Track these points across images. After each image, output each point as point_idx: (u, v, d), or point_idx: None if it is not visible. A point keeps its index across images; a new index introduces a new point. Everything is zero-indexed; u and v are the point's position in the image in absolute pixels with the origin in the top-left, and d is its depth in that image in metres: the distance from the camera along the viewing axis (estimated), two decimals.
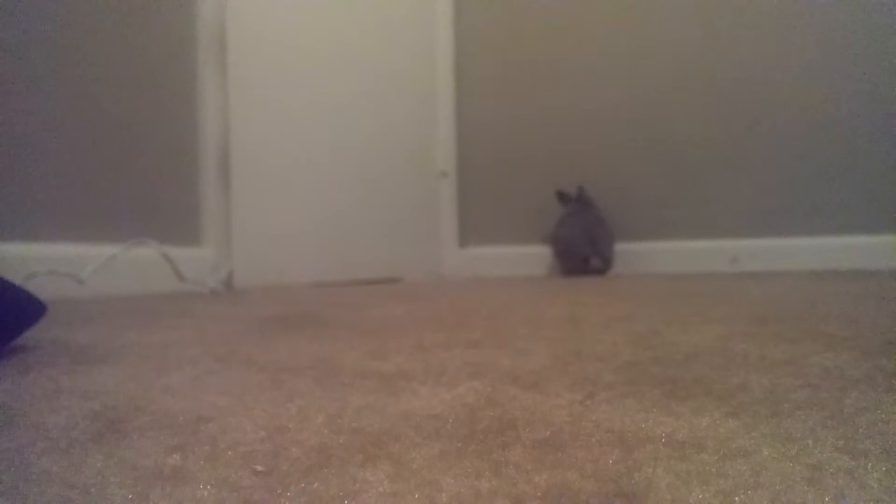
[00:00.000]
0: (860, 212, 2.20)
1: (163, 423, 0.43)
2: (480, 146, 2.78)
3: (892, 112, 2.16)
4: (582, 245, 2.38)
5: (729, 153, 2.38)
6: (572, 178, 2.60)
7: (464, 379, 0.55)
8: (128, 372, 0.60)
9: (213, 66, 1.82)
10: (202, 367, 0.61)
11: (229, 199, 1.86)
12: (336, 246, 2.25)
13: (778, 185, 2.31)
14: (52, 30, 1.46)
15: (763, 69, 2.33)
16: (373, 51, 2.41)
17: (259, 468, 0.34)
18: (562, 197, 2.52)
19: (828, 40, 2.25)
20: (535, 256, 2.64)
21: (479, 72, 2.78)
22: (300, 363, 0.63)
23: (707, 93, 2.41)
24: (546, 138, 2.66)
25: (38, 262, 1.36)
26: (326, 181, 2.22)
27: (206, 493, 0.31)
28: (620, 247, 2.49)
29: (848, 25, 2.22)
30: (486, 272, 2.70)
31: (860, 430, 0.38)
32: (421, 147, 2.69)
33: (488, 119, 2.77)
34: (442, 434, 0.39)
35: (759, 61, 2.33)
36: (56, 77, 1.47)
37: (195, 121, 1.80)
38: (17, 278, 1.18)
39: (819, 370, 0.55)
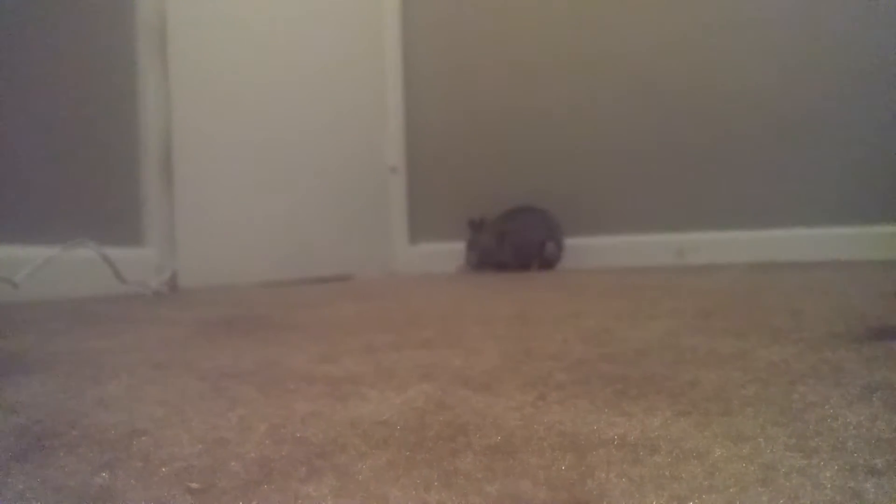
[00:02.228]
0: (801, 206, 2.25)
1: (93, 438, 0.40)
2: (430, 142, 2.76)
3: (834, 108, 2.22)
4: (538, 230, 2.40)
5: (673, 149, 2.41)
6: (521, 173, 2.60)
7: (414, 381, 0.54)
8: (59, 382, 0.57)
9: (154, 59, 1.77)
10: (139, 376, 0.58)
11: (173, 197, 1.81)
12: (285, 244, 2.21)
13: (721, 180, 2.35)
14: None
15: (706, 66, 2.36)
16: (320, 44, 2.37)
17: (194, 485, 0.32)
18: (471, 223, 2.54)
19: (775, 34, 2.29)
20: None
21: (428, 67, 2.76)
22: (244, 369, 0.61)
23: (652, 90, 2.44)
24: (495, 134, 2.66)
25: None
26: (274, 177, 2.18)
27: None
28: (568, 242, 2.50)
29: (795, 19, 2.27)
30: (438, 268, 2.69)
31: (810, 427, 0.37)
32: (370, 142, 2.66)
33: (438, 114, 2.75)
34: (390, 442, 0.38)
35: (702, 58, 2.37)
36: None
37: (135, 115, 1.74)
38: None
39: (766, 364, 0.55)
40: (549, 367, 0.58)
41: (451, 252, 2.68)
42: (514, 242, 2.42)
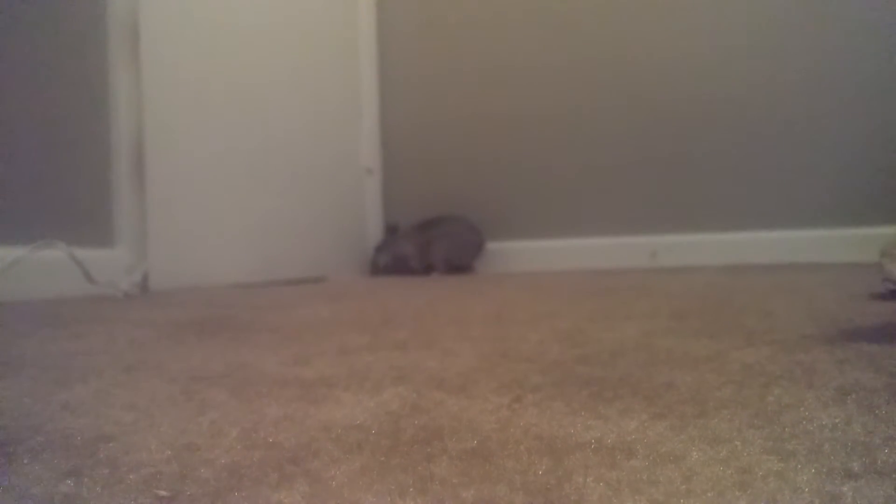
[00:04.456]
0: (772, 209, 2.28)
1: (58, 443, 0.39)
2: (405, 143, 2.76)
3: (804, 112, 2.25)
4: (473, 233, 2.52)
5: (646, 152, 2.43)
6: (495, 175, 2.61)
7: (388, 384, 0.53)
8: (24, 386, 0.55)
9: (126, 58, 1.74)
10: (107, 379, 0.57)
11: (144, 197, 1.78)
12: (258, 245, 2.19)
13: (694, 183, 2.37)
14: None
15: (679, 71, 2.38)
16: (295, 46, 2.35)
17: (163, 493, 0.31)
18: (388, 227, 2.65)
19: (747, 39, 2.32)
20: None
21: (403, 69, 2.76)
22: (215, 371, 0.60)
23: (623, 91, 2.45)
24: (470, 136, 2.66)
25: None
26: (247, 178, 2.15)
27: None
28: (542, 244, 2.51)
29: (767, 24, 2.30)
30: None
31: (786, 430, 0.37)
32: (345, 144, 2.65)
33: (413, 116, 2.75)
34: (364, 447, 0.37)
35: (674, 63, 2.39)
36: None
37: (107, 114, 1.71)
38: None
39: (740, 366, 0.56)
40: (524, 368, 0.57)
41: None
42: (452, 245, 2.48)
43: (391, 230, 2.60)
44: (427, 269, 2.50)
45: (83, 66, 1.66)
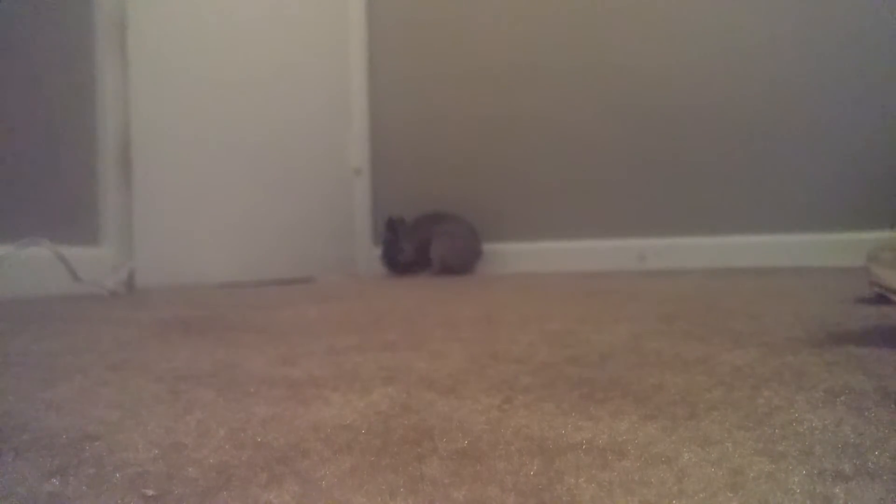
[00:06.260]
0: (760, 213, 2.29)
1: (43, 442, 0.39)
2: (395, 144, 2.75)
3: (792, 117, 2.26)
4: (473, 235, 2.52)
5: (635, 156, 2.43)
6: (484, 176, 2.61)
7: (378, 384, 0.53)
8: (9, 384, 0.55)
9: (113, 54, 1.73)
10: (93, 378, 0.56)
11: (130, 195, 1.77)
12: (246, 244, 2.18)
13: (682, 187, 2.38)
14: None
15: (667, 76, 2.39)
16: (284, 44, 2.35)
17: (149, 492, 0.31)
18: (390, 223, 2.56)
19: (735, 44, 2.33)
20: None
21: (393, 69, 2.75)
22: (202, 371, 0.59)
23: (614, 95, 2.46)
24: (459, 137, 2.66)
25: None
26: (235, 177, 2.14)
27: None
28: (533, 246, 2.52)
29: (753, 29, 2.31)
30: None
31: (776, 431, 0.37)
32: (334, 144, 2.64)
33: (402, 116, 2.74)
34: (354, 447, 0.37)
35: (662, 67, 2.40)
36: None
37: (93, 111, 1.70)
38: None
39: (730, 368, 0.56)
40: (514, 369, 0.57)
41: None
42: (452, 247, 2.46)
43: (398, 222, 2.52)
44: (423, 268, 2.48)
45: (69, 61, 1.65)
